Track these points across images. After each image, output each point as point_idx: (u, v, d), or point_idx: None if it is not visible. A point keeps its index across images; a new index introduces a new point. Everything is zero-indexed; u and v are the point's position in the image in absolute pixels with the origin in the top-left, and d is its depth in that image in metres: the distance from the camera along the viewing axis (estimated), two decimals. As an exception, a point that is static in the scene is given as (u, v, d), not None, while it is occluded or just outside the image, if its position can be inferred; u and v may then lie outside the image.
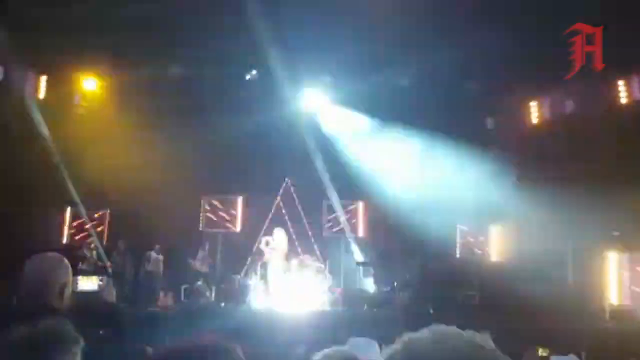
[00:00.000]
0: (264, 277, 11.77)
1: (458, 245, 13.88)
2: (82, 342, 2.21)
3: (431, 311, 10.74)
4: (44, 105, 12.82)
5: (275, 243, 11.97)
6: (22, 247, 11.71)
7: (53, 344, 2.17)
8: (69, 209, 13.56)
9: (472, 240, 13.89)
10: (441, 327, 1.45)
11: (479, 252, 13.87)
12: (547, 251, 11.79)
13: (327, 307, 11.42)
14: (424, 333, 1.44)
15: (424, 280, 11.84)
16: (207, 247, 13.02)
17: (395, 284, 12.24)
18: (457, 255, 13.81)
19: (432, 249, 12.70)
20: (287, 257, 12.13)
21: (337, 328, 8.62)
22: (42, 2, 10.95)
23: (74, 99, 13.47)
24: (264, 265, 11.86)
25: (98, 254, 12.47)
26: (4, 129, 11.68)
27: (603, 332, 9.36)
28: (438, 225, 12.37)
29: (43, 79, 13.12)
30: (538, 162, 12.69)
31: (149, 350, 3.47)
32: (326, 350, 2.47)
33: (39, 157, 12.26)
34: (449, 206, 12.51)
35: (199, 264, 12.43)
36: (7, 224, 11.85)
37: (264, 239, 12.08)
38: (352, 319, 9.84)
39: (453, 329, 1.44)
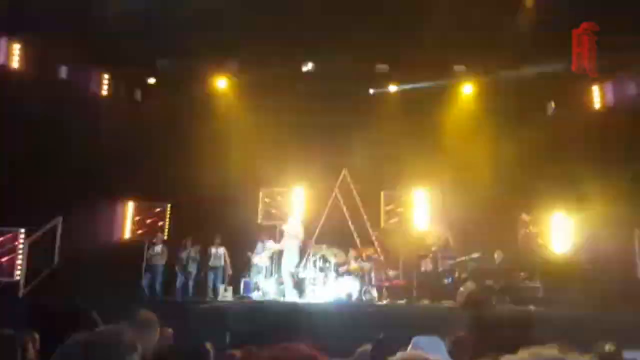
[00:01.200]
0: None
1: (519, 235, 13.38)
2: (140, 349, 2.21)
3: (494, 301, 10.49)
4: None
5: (288, 231, 11.87)
6: (86, 239, 12.46)
7: (112, 350, 2.17)
8: (130, 203, 13.85)
9: (534, 230, 13.36)
10: (539, 349, 1.34)
11: (540, 243, 13.37)
12: (613, 236, 11.36)
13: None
14: (524, 356, 1.32)
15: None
16: (265, 240, 13.05)
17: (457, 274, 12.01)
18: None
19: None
20: (304, 245, 12.11)
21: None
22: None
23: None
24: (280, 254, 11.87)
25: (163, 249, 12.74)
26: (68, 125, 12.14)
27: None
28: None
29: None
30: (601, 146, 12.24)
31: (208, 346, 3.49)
32: (402, 353, 2.40)
33: (101, 150, 12.64)
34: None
35: (258, 257, 12.51)
36: (72, 217, 12.39)
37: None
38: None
39: (552, 352, 1.32)
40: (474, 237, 13.18)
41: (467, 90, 13.86)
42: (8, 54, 11.64)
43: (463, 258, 12.42)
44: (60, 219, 12.66)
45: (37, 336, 4.73)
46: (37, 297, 10.76)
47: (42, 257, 12.24)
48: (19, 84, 11.50)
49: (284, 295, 11.64)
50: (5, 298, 10.04)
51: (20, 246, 11.63)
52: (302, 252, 12.16)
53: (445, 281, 11.98)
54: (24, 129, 11.29)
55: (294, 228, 11.89)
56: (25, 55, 11.75)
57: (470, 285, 11.57)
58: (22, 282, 11.55)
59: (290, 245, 11.74)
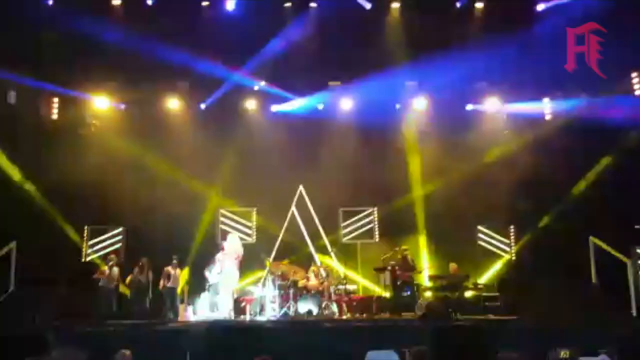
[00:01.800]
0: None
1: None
2: None
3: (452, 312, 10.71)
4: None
5: (227, 248, 11.75)
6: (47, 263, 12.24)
7: None
8: (86, 228, 13.65)
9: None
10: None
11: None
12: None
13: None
14: None
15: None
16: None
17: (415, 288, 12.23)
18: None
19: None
20: (242, 263, 11.98)
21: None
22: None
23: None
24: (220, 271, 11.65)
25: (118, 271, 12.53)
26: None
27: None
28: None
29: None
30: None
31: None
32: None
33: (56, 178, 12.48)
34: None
35: (213, 276, 12.37)
36: (33, 242, 12.17)
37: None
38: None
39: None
40: (431, 249, 13.58)
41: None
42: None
43: (419, 270, 12.70)
44: (14, 244, 12.37)
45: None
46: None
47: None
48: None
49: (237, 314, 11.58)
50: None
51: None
52: (240, 269, 12.02)
53: (404, 294, 12.15)
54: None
55: (232, 245, 11.79)
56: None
57: (428, 297, 11.82)
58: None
59: (229, 262, 11.62)
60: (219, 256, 11.73)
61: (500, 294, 12.41)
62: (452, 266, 12.48)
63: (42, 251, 12.57)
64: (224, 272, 11.48)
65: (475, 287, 12.30)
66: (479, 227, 14.07)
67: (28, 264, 12.43)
